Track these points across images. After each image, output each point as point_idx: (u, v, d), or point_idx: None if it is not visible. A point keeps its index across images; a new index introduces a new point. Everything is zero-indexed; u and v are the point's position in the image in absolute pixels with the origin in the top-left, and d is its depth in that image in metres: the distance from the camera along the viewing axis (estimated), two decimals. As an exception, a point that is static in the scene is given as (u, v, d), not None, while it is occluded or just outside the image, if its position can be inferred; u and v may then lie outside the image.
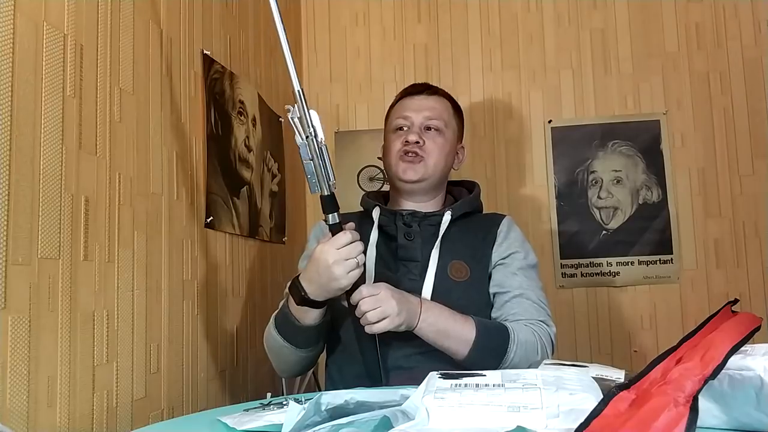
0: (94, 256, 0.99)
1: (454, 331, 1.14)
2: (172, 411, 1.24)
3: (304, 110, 1.04)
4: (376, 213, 1.34)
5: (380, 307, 1.07)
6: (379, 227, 1.33)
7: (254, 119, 1.78)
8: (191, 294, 1.35)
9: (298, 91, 1.04)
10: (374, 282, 1.23)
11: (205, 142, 1.44)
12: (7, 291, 0.79)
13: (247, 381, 1.68)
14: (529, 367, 1.06)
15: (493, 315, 1.27)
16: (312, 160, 1.04)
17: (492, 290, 1.28)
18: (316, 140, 1.05)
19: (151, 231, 1.18)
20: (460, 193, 1.45)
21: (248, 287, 1.70)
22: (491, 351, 1.14)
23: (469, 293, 1.25)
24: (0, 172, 0.79)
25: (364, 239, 1.28)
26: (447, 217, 1.30)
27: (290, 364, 1.26)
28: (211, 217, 1.44)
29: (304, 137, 1.04)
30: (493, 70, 2.36)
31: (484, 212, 1.44)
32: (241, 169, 1.66)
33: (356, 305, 1.09)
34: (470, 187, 1.46)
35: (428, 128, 1.34)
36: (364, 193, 1.44)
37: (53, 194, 0.89)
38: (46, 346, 0.86)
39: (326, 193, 1.06)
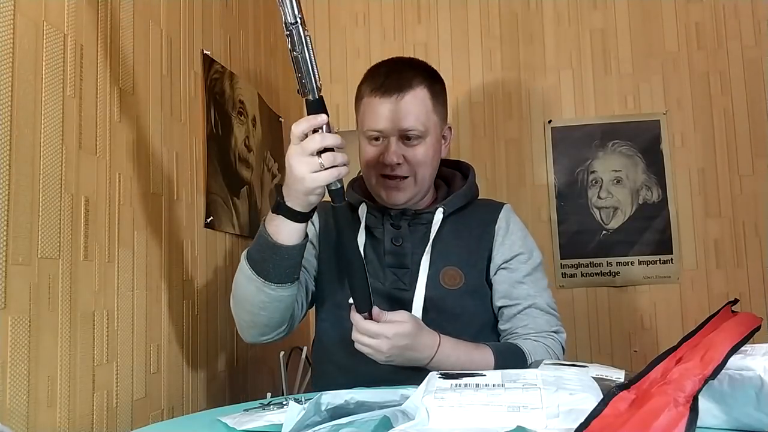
0: (94, 256, 0.99)
1: (475, 362, 1.07)
2: (172, 411, 1.23)
3: None
4: (362, 211, 1.24)
5: (373, 352, 1.00)
6: (366, 227, 1.23)
7: (254, 119, 1.78)
8: (191, 294, 1.35)
9: None
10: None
11: (205, 142, 1.44)
12: (7, 291, 0.79)
13: (247, 381, 1.68)
14: None
15: (502, 327, 1.23)
16: (305, 50, 0.87)
17: (498, 303, 1.22)
18: (304, 29, 0.87)
19: (151, 231, 1.18)
20: (453, 177, 1.33)
21: (248, 287, 1.70)
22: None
23: (463, 301, 1.19)
24: (0, 172, 0.79)
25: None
26: (438, 216, 1.21)
27: (255, 308, 1.09)
28: (211, 217, 1.44)
29: (296, 18, 0.85)
30: (493, 70, 2.36)
31: (480, 197, 1.33)
32: (241, 169, 1.66)
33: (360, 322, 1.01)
34: (465, 170, 1.34)
35: (407, 138, 1.18)
36: (350, 180, 1.32)
37: (53, 194, 0.89)
38: (46, 346, 0.86)
39: (314, 98, 0.92)
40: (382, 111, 1.17)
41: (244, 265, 1.07)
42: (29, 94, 0.85)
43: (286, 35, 0.87)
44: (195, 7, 1.43)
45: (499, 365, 1.08)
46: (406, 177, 1.19)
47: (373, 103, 1.19)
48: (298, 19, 0.86)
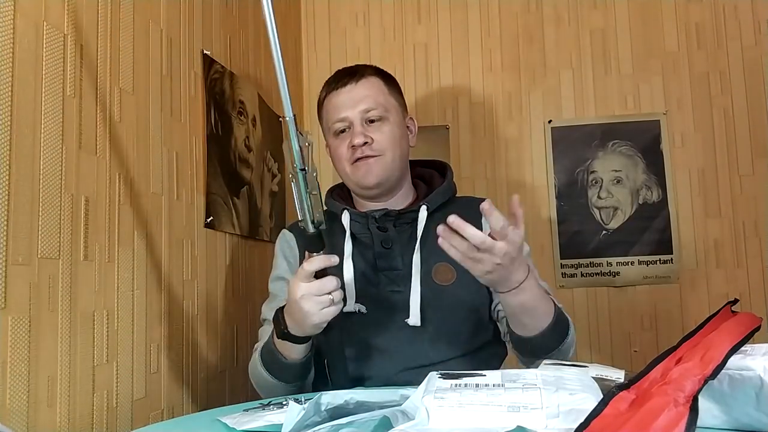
0: (94, 256, 0.99)
1: (541, 309, 1.07)
2: (172, 411, 1.24)
3: (296, 139, 0.98)
4: (346, 219, 1.25)
5: (500, 264, 0.97)
6: (352, 235, 1.24)
7: (254, 119, 1.78)
8: (191, 294, 1.35)
9: (290, 118, 0.98)
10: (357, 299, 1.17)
11: (205, 142, 1.44)
12: (7, 291, 0.79)
13: (247, 381, 1.67)
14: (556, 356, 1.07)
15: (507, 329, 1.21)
16: (308, 192, 1.00)
17: (501, 307, 1.20)
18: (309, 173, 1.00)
19: (151, 231, 1.18)
20: (430, 176, 1.35)
21: (248, 287, 1.70)
22: (559, 332, 1.11)
23: (458, 295, 1.20)
24: (0, 172, 0.79)
25: (337, 249, 1.19)
26: (423, 214, 1.22)
27: (278, 394, 1.16)
28: (211, 217, 1.44)
29: (300, 168, 0.99)
30: (493, 70, 2.36)
31: (458, 194, 1.33)
32: (241, 169, 1.66)
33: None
34: (441, 168, 1.35)
35: (370, 120, 1.23)
36: (328, 189, 1.36)
37: (53, 194, 0.89)
38: (46, 346, 0.86)
39: (312, 231, 1.00)
40: (341, 100, 1.25)
41: (262, 371, 1.14)
42: (29, 94, 0.85)
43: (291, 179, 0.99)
44: (195, 7, 1.43)
45: (553, 321, 1.08)
46: (375, 156, 1.23)
47: (331, 98, 1.27)
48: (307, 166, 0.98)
